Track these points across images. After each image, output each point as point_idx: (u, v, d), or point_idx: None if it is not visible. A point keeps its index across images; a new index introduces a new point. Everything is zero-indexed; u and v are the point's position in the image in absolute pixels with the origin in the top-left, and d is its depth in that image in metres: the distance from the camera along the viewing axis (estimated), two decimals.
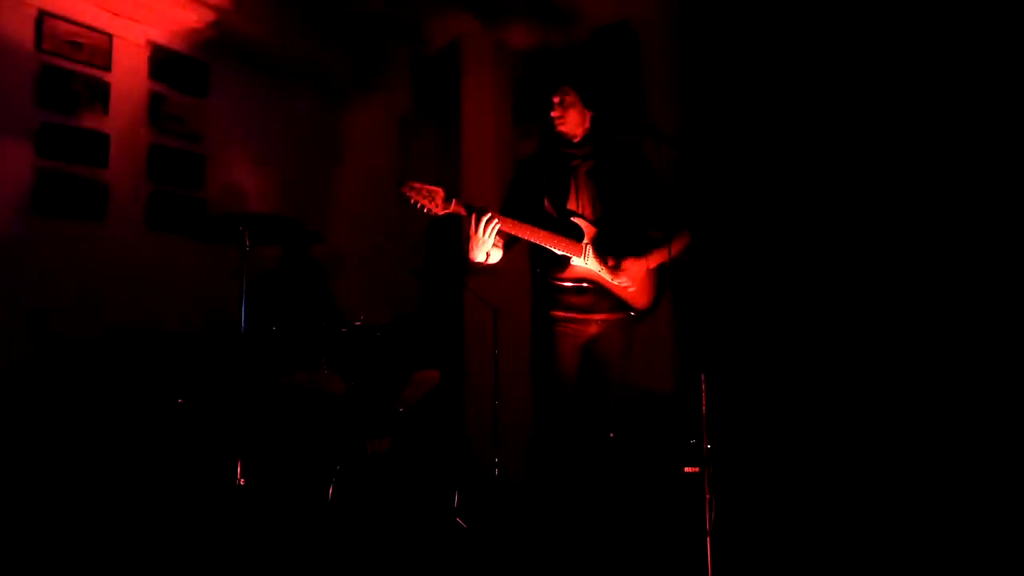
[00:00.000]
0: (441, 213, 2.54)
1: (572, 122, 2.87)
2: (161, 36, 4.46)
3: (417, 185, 2.51)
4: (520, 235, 2.70)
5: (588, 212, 2.86)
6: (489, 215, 2.58)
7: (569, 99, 2.84)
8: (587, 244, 2.80)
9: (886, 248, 3.55)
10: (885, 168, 3.66)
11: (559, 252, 2.74)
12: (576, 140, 2.90)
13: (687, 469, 2.25)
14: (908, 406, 3.55)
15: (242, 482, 2.74)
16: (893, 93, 3.67)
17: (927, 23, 3.55)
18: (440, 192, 2.53)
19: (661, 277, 3.02)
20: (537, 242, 2.71)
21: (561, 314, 2.85)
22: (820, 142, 3.83)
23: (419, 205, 2.51)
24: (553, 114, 2.84)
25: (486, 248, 2.64)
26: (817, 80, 3.95)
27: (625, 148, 2.99)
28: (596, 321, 2.88)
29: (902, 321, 3.50)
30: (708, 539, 2.18)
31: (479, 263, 2.70)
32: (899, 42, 3.69)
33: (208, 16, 4.43)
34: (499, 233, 2.65)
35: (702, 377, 2.29)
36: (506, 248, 2.83)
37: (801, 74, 3.98)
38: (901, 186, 3.61)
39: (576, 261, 2.77)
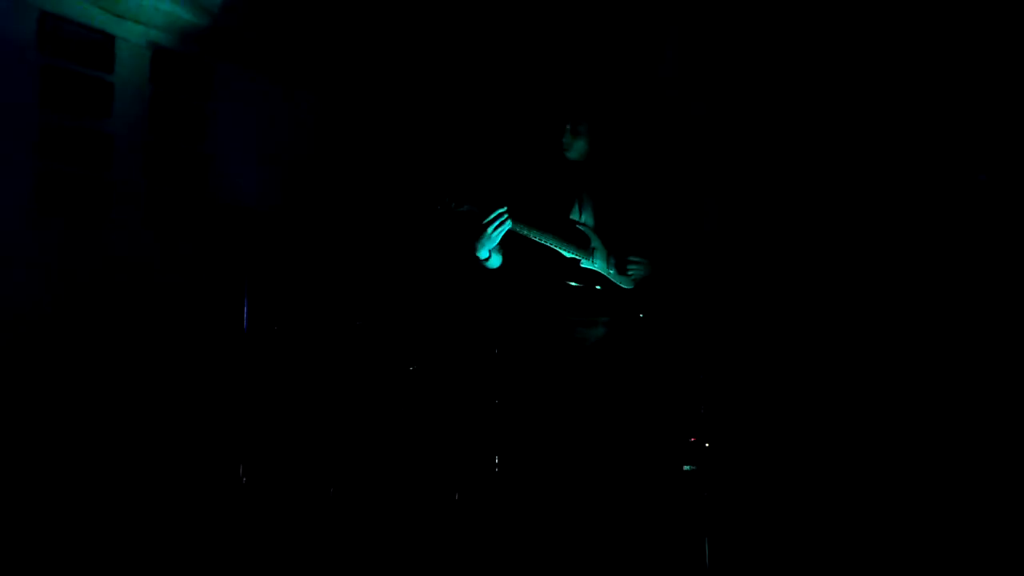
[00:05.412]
0: (460, 208, 2.55)
1: (579, 150, 2.89)
2: (163, 37, 4.47)
3: (442, 185, 2.53)
4: (529, 235, 2.70)
5: (590, 221, 2.89)
6: (500, 211, 2.59)
7: (581, 129, 2.86)
8: (593, 248, 2.82)
9: (884, 248, 3.56)
10: (879, 170, 3.68)
11: (568, 255, 2.76)
12: (580, 161, 2.92)
13: (686, 468, 2.26)
14: (906, 405, 3.56)
15: (244, 480, 2.75)
16: (885, 96, 3.69)
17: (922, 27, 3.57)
18: (458, 188, 2.55)
19: (659, 279, 3.05)
20: (546, 244, 2.72)
21: (567, 319, 2.86)
22: (819, 143, 3.85)
23: (452, 204, 2.53)
24: (563, 144, 2.86)
25: (492, 245, 2.65)
26: (814, 83, 3.96)
27: (623, 163, 3.03)
28: (602, 322, 2.89)
29: (900, 321, 3.51)
30: (706, 538, 2.20)
31: (482, 261, 2.71)
32: (893, 46, 3.70)
33: (210, 17, 4.43)
34: (506, 233, 2.66)
35: (701, 377, 2.31)
36: (505, 254, 2.84)
37: (799, 75, 4.00)
38: (896, 187, 3.63)
39: (585, 263, 2.79)
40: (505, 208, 2.58)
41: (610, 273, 2.84)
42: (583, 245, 2.80)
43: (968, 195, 3.19)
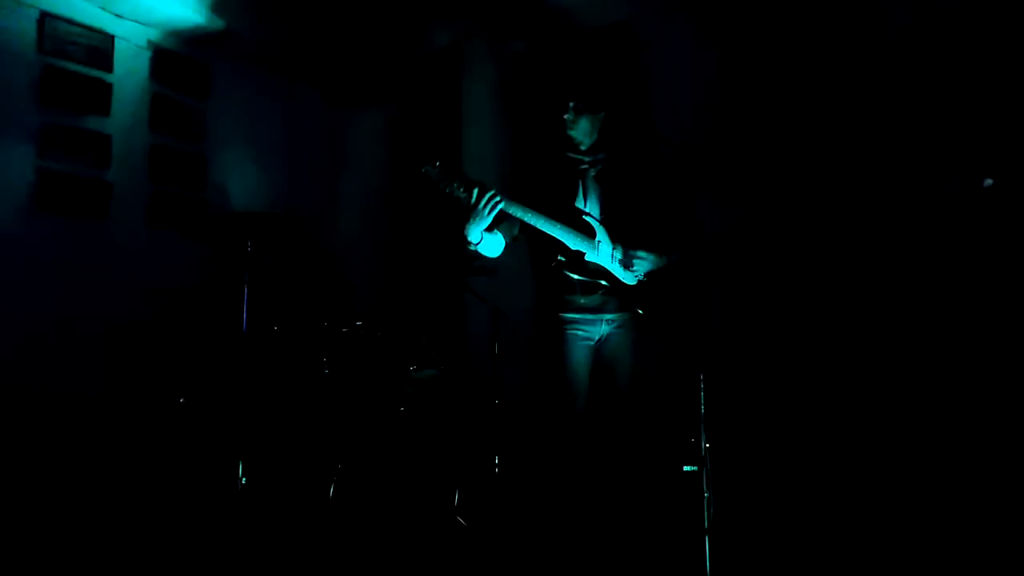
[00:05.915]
0: (459, 195, 2.56)
1: (582, 131, 2.88)
2: (162, 37, 4.48)
3: (441, 164, 2.54)
4: (525, 218, 2.68)
5: (595, 213, 2.88)
6: (493, 191, 2.58)
7: (581, 111, 2.85)
8: (599, 241, 2.81)
9: (884, 249, 3.56)
10: (879, 173, 3.67)
11: (571, 246, 2.75)
12: (583, 148, 2.91)
13: (686, 468, 2.26)
14: (904, 405, 3.56)
15: (243, 481, 2.75)
16: (889, 100, 3.69)
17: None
18: (459, 174, 2.56)
19: (666, 277, 3.04)
20: (545, 230, 2.70)
21: (571, 315, 2.84)
22: (820, 145, 3.85)
23: (440, 184, 2.54)
24: (565, 122, 2.86)
25: (483, 226, 2.63)
26: (815, 83, 3.96)
27: (635, 156, 3.01)
28: (606, 320, 2.88)
29: (898, 321, 3.51)
30: (706, 538, 2.20)
31: (473, 245, 2.70)
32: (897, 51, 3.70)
33: (209, 17, 4.44)
34: (502, 216, 2.65)
35: (700, 377, 2.31)
36: (508, 239, 2.82)
37: (803, 82, 3.99)
38: (895, 189, 3.63)
39: (590, 256, 2.78)
40: (494, 190, 2.59)
41: (615, 268, 2.83)
42: (588, 235, 2.78)
43: (970, 198, 3.19)
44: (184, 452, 3.45)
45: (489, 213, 2.58)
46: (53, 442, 3.66)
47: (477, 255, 2.76)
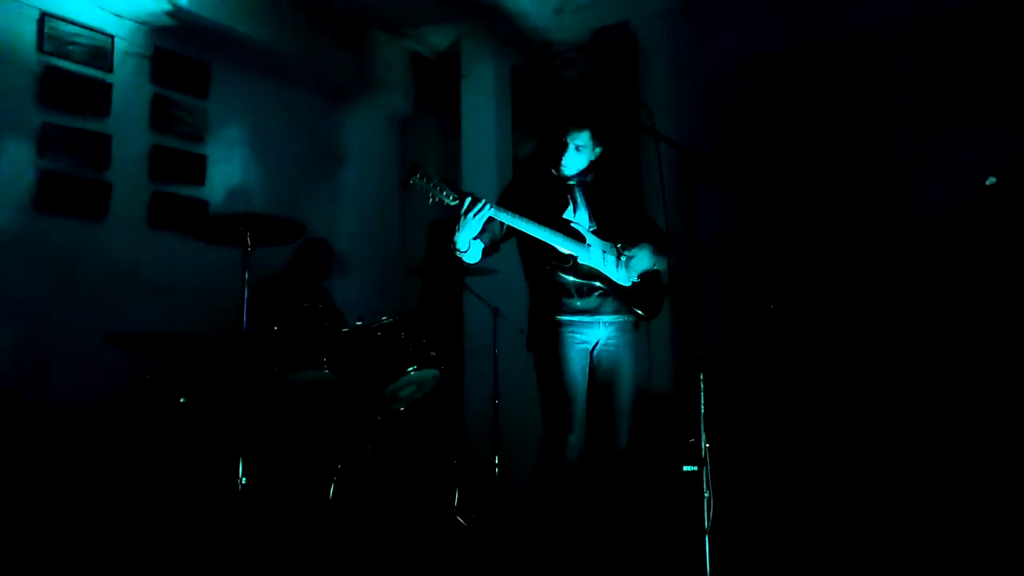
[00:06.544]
0: (449, 203, 2.58)
1: (577, 165, 2.90)
2: (162, 38, 4.48)
3: (428, 174, 2.55)
4: (515, 225, 2.71)
5: (585, 223, 2.89)
6: (483, 201, 2.61)
7: (581, 143, 2.86)
8: (588, 244, 2.82)
9: (886, 249, 3.57)
10: (881, 172, 3.67)
11: (561, 249, 2.76)
12: (576, 173, 2.94)
13: (686, 468, 2.26)
14: (904, 405, 3.56)
15: (243, 481, 2.75)
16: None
17: None
18: (447, 183, 2.58)
19: (661, 281, 3.04)
20: (534, 234, 2.72)
21: (568, 318, 2.85)
22: (820, 145, 3.85)
23: (429, 194, 2.56)
24: (563, 155, 2.87)
25: (471, 234, 2.66)
26: (816, 92, 3.96)
27: (619, 172, 3.04)
28: (604, 323, 2.88)
29: (900, 321, 3.51)
30: (707, 538, 2.20)
31: (460, 252, 2.72)
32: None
33: (209, 17, 4.44)
34: (491, 223, 2.69)
35: (700, 376, 2.31)
36: (487, 250, 2.84)
37: (803, 82, 3.99)
38: (897, 190, 3.63)
39: (582, 259, 2.79)
40: (483, 200, 2.62)
41: (608, 269, 2.83)
42: (578, 239, 2.79)
43: (973, 196, 3.20)
44: (184, 452, 3.44)
45: (476, 222, 2.61)
46: (53, 442, 3.66)
47: (463, 261, 2.79)
